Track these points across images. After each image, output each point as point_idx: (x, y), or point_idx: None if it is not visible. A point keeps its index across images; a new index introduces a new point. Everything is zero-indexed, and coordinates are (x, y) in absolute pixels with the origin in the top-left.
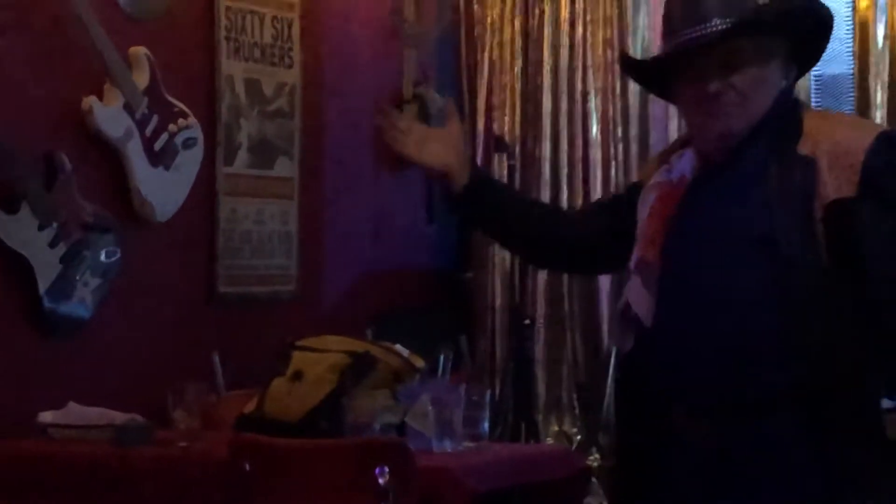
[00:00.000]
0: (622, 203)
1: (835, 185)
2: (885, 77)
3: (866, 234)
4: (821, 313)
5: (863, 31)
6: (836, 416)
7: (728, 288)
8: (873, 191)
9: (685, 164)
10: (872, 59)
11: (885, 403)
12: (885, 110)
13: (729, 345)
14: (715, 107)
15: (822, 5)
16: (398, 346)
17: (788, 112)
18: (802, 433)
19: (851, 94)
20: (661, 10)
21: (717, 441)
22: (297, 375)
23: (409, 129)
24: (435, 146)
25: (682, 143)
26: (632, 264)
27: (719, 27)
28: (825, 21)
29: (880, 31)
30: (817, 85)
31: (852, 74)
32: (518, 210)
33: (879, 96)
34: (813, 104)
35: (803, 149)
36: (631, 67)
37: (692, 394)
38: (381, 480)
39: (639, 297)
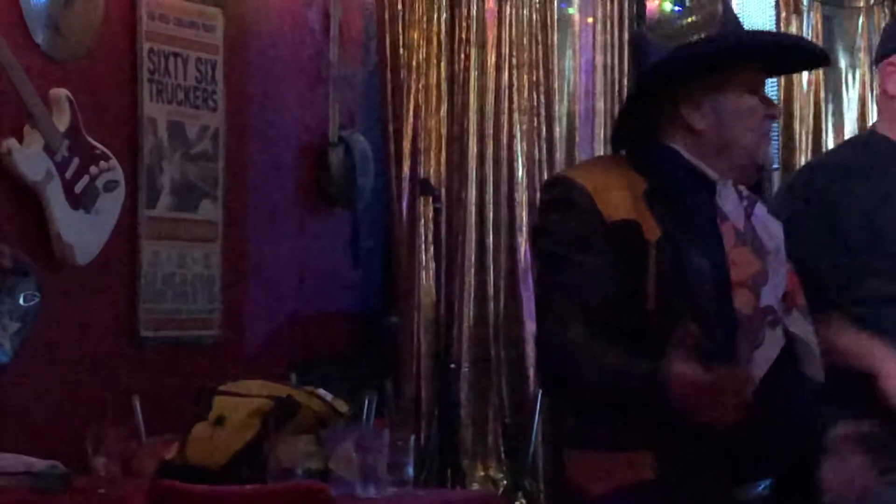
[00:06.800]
0: None
1: None
2: (810, 122)
3: None
4: None
5: (787, 77)
6: None
7: None
8: None
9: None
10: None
11: None
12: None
13: None
14: (768, 130)
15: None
16: (321, 391)
17: None
18: None
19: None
20: (586, 53)
21: None
22: (220, 420)
23: None
24: None
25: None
26: None
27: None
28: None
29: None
30: None
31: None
32: None
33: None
34: None
35: None
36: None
37: None
38: None
39: None
